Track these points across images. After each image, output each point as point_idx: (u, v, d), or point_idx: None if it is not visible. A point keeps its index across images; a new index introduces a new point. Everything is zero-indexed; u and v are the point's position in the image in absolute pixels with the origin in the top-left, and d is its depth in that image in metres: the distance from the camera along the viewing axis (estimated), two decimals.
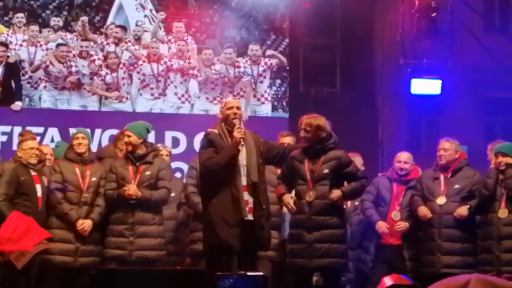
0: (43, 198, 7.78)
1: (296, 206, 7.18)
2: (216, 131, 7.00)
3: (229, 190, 6.77)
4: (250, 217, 6.82)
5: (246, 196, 6.83)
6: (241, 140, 6.81)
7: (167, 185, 7.98)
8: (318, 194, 7.10)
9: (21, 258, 7.40)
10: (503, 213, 7.68)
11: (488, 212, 7.77)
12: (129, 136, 7.89)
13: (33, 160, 7.81)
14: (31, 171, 7.81)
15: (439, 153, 7.98)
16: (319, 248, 7.05)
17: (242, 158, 6.88)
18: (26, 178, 7.73)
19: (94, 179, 7.93)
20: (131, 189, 7.71)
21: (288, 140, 8.16)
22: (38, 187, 7.80)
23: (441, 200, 7.87)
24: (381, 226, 8.15)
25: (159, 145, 9.07)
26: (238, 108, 7.01)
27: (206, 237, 6.96)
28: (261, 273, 6.18)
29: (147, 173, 7.86)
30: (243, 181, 6.83)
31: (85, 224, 7.79)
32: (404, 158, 8.29)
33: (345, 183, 7.28)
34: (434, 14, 12.76)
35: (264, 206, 6.92)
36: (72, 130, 10.31)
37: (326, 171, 7.14)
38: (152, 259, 7.80)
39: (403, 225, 8.08)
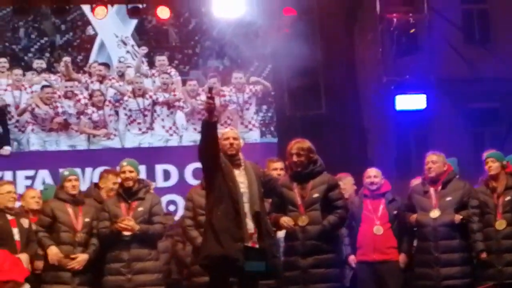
0: (21, 241, 7.69)
1: (289, 233, 7.18)
2: None
3: (232, 204, 6.62)
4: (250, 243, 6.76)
5: (248, 222, 6.68)
6: (212, 107, 6.53)
7: (162, 220, 8.00)
8: (311, 218, 7.12)
9: None
10: (500, 224, 7.69)
11: (484, 227, 7.77)
12: (131, 172, 7.89)
13: (11, 204, 7.75)
14: (8, 215, 7.72)
15: (427, 166, 8.00)
16: (314, 273, 7.04)
17: (243, 187, 6.84)
18: (3, 223, 7.65)
19: (87, 219, 7.90)
20: (129, 223, 7.68)
21: (278, 165, 8.12)
22: (15, 231, 7.71)
23: (434, 214, 7.88)
24: (352, 261, 8.15)
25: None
26: (235, 138, 6.87)
27: (211, 248, 6.60)
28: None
29: (140, 209, 7.85)
30: (245, 207, 6.66)
31: (80, 258, 7.75)
32: (373, 172, 8.31)
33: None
34: (412, 30, 12.87)
35: (272, 235, 6.92)
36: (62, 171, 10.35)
37: (316, 195, 7.17)
38: None
39: (403, 261, 8.09)
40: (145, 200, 7.91)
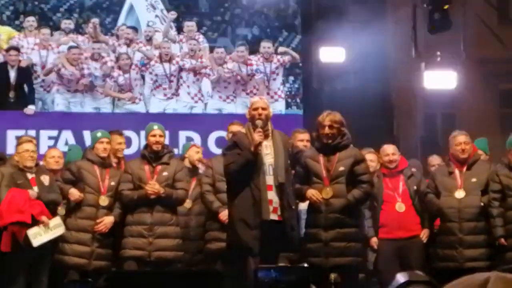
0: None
1: (312, 205, 7.11)
2: (244, 130, 7.03)
3: (250, 191, 6.77)
4: (273, 216, 6.82)
5: (271, 195, 6.82)
6: (260, 144, 6.80)
7: (185, 186, 8.00)
8: (335, 191, 7.04)
9: (37, 237, 7.39)
10: None
11: (507, 210, 7.65)
12: (161, 136, 7.92)
13: (29, 163, 7.65)
14: (28, 174, 7.67)
15: (460, 147, 7.82)
16: (336, 247, 7.00)
17: (269, 158, 6.86)
18: (23, 182, 7.60)
19: (113, 183, 7.89)
20: (155, 186, 7.68)
21: (305, 137, 8.09)
22: (35, 189, 7.63)
23: (459, 194, 7.77)
24: (374, 243, 8.05)
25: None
26: (264, 108, 6.95)
27: (228, 236, 7.03)
28: (304, 265, 6.20)
29: (164, 173, 7.85)
30: (269, 180, 6.83)
31: (106, 220, 7.75)
32: (391, 150, 8.16)
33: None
34: (446, 6, 12.67)
35: (293, 207, 6.92)
36: (86, 133, 10.31)
37: (342, 168, 7.10)
38: (171, 259, 7.80)
39: (427, 235, 7.98)
40: (170, 165, 7.91)
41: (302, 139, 7.99)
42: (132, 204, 7.79)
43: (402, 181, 8.05)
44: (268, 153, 6.87)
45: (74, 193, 7.79)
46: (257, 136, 6.79)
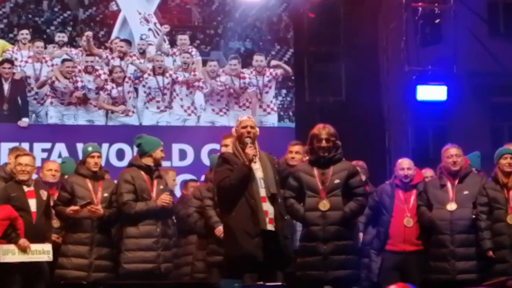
0: (38, 213, 7.60)
1: (309, 217, 7.11)
2: (230, 150, 7.15)
3: (247, 202, 6.85)
4: (270, 227, 6.89)
5: (266, 206, 6.91)
6: (254, 157, 6.92)
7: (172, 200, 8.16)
8: (332, 204, 7.05)
9: (8, 254, 7.40)
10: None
11: (494, 222, 7.71)
12: (161, 151, 7.98)
13: (22, 177, 7.65)
14: (25, 187, 7.66)
15: (452, 160, 7.89)
16: (335, 259, 6.98)
17: (259, 172, 6.98)
18: (17, 194, 7.59)
19: (106, 194, 7.91)
20: (168, 198, 7.79)
21: (298, 148, 8.14)
22: (32, 202, 7.62)
23: (451, 206, 7.82)
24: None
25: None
26: (252, 127, 7.09)
27: (229, 249, 6.98)
28: (280, 283, 6.24)
29: (161, 187, 7.91)
30: (262, 192, 6.93)
31: (99, 207, 7.76)
32: (406, 164, 8.22)
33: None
34: (437, 21, 12.81)
35: (286, 217, 7.01)
36: (80, 145, 10.34)
37: (337, 181, 7.10)
38: (172, 270, 7.94)
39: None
40: (162, 179, 8.02)
41: (297, 151, 8.06)
42: (139, 216, 7.75)
43: (414, 196, 8.12)
44: (258, 168, 6.99)
45: (73, 208, 7.76)
46: (250, 151, 6.91)
